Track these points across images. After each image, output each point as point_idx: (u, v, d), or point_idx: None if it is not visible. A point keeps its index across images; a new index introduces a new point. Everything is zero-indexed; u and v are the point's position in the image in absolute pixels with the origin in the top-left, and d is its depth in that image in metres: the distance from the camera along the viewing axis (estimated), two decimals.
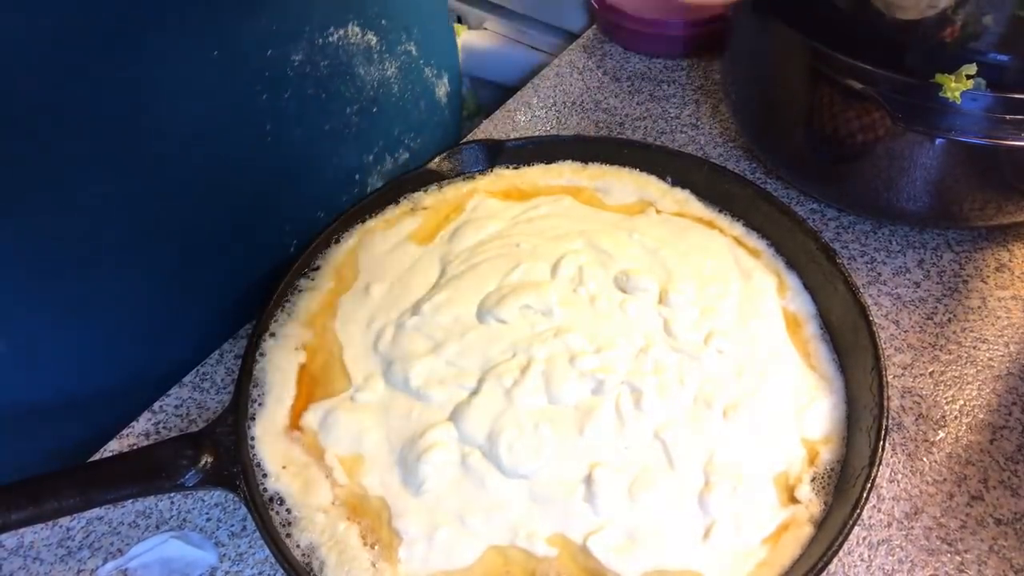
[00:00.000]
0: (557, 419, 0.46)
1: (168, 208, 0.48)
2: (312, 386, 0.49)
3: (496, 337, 0.50)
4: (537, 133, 0.74)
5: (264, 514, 0.43)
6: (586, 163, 0.62)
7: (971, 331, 0.57)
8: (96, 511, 0.49)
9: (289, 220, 0.57)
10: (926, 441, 0.52)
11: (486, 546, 0.43)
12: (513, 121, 0.76)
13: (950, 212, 0.58)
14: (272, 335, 0.51)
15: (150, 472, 0.44)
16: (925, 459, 0.51)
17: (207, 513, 0.49)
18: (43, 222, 0.43)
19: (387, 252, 0.56)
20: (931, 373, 0.55)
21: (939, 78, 0.48)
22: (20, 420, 0.51)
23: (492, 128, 0.75)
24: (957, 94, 0.48)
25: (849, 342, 0.50)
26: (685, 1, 0.80)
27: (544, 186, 0.61)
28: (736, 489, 0.44)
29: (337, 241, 0.56)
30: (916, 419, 0.53)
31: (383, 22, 0.56)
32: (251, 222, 0.54)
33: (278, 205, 0.56)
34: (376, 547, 0.43)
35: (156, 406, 0.55)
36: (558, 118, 0.76)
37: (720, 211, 0.59)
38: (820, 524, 0.43)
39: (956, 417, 0.53)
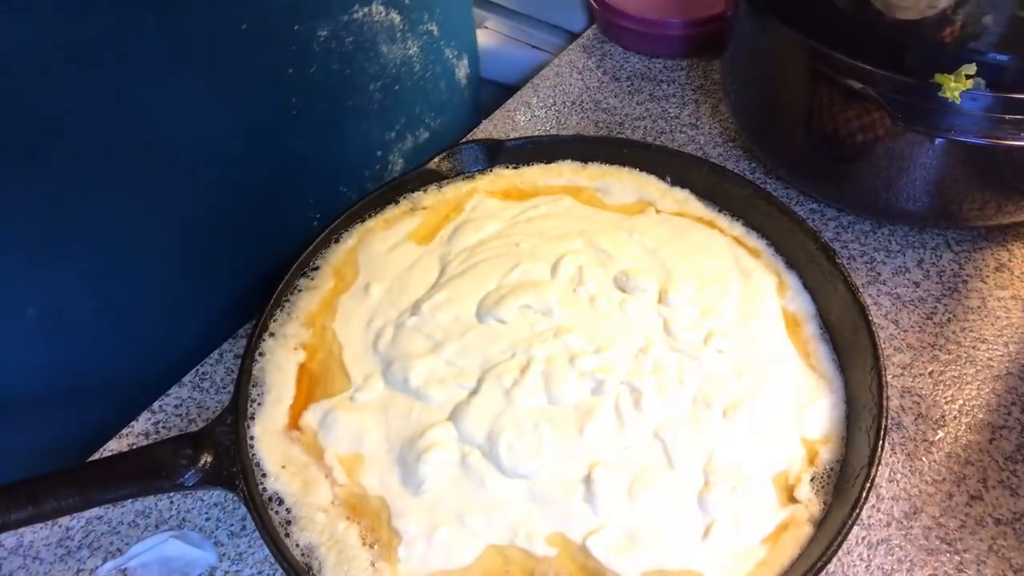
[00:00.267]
0: (557, 419, 0.46)
1: (196, 178, 0.50)
2: (311, 386, 0.49)
3: (496, 337, 0.50)
4: (537, 133, 0.74)
5: (263, 514, 0.43)
6: (586, 163, 0.62)
7: (971, 331, 0.57)
8: (95, 511, 0.49)
9: (313, 193, 0.59)
10: (925, 441, 0.52)
11: (485, 546, 0.43)
12: (513, 121, 0.76)
13: (950, 212, 0.58)
14: (272, 335, 0.51)
15: (150, 472, 0.44)
16: (924, 459, 0.51)
17: (206, 513, 0.49)
18: (70, 191, 0.44)
19: (387, 252, 0.56)
20: (930, 373, 0.55)
21: (939, 78, 0.48)
22: (34, 401, 0.52)
23: (492, 128, 0.75)
24: (957, 94, 0.48)
25: (849, 342, 0.50)
26: None
27: (544, 186, 0.61)
28: (736, 489, 0.44)
29: (337, 241, 0.56)
30: (915, 419, 0.53)
31: (406, 1, 0.58)
32: (276, 194, 0.56)
33: (303, 178, 0.57)
34: (375, 547, 0.43)
35: (156, 406, 0.55)
36: (558, 118, 0.76)
37: (720, 211, 0.59)
38: (819, 524, 0.43)
39: (955, 417, 0.53)
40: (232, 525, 0.49)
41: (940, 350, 0.56)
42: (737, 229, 0.58)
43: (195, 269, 0.54)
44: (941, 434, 0.52)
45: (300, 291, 0.53)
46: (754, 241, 0.57)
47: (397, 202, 0.59)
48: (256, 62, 0.49)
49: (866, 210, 0.64)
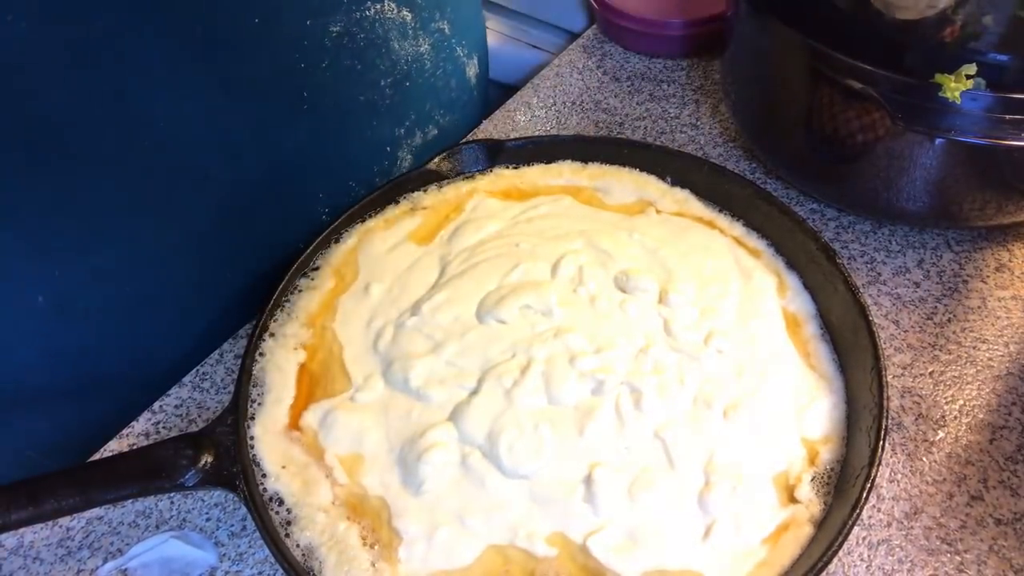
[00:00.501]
0: (557, 419, 0.46)
1: (207, 176, 0.50)
2: (312, 386, 0.50)
3: (496, 337, 0.50)
4: (537, 133, 0.74)
5: (264, 514, 0.43)
6: (586, 163, 0.62)
7: (971, 331, 0.57)
8: (96, 511, 0.49)
9: (323, 189, 0.59)
10: (926, 441, 0.52)
11: (486, 546, 0.43)
12: (513, 121, 0.76)
13: (950, 212, 0.58)
14: (272, 335, 0.51)
15: (150, 472, 0.44)
16: (925, 459, 0.51)
17: (207, 513, 0.49)
18: (84, 178, 0.45)
19: (387, 252, 0.56)
20: (931, 373, 0.55)
21: (939, 78, 0.48)
22: (36, 393, 0.52)
23: (492, 128, 0.75)
24: (957, 94, 0.48)
25: (849, 342, 0.50)
26: None
27: (544, 186, 0.61)
28: (736, 489, 0.44)
29: (337, 241, 0.56)
30: (916, 419, 0.53)
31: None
32: (286, 189, 0.56)
33: (314, 172, 0.58)
34: (376, 547, 0.43)
35: (156, 406, 0.55)
36: (558, 118, 0.76)
37: (720, 211, 0.59)
38: (820, 524, 0.43)
39: (956, 417, 0.53)
40: (232, 525, 0.49)
41: (940, 350, 0.56)
42: (737, 229, 0.58)
43: (203, 267, 0.54)
44: (941, 434, 0.52)
45: (300, 291, 0.53)
46: (754, 241, 0.57)
47: (397, 202, 0.59)
48: (267, 57, 0.49)
49: (866, 210, 0.64)
